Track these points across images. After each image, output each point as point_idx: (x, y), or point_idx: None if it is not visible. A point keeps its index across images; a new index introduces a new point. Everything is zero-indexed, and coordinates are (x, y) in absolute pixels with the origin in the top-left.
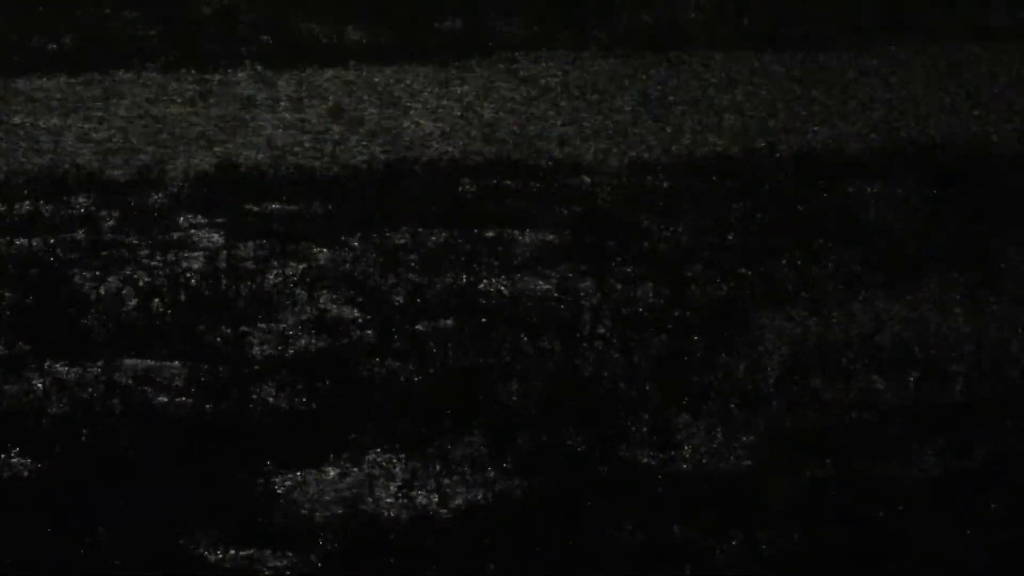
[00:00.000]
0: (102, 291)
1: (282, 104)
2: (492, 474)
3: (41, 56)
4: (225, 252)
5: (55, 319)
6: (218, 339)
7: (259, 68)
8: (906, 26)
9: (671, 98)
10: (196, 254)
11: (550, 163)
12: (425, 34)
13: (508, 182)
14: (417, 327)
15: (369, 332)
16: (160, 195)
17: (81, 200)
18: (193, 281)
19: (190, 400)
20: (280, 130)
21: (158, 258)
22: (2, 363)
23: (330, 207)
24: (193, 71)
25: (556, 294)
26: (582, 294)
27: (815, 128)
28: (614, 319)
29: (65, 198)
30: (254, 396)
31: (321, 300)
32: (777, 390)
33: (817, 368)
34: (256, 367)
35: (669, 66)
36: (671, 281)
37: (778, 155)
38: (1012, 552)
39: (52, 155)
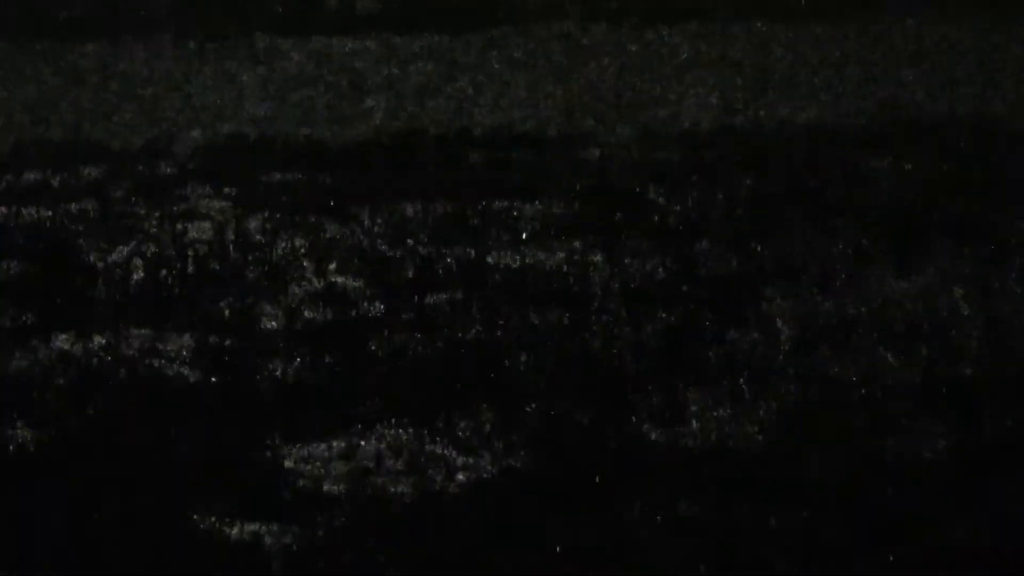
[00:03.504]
0: (109, 261)
1: (291, 74)
2: (500, 448)
3: (48, 22)
4: (233, 223)
5: (62, 289)
6: (226, 311)
7: (268, 36)
8: None
9: (680, 70)
10: (204, 225)
11: (559, 135)
12: (434, 1)
13: (516, 154)
14: (425, 300)
15: (377, 304)
16: (169, 165)
17: (89, 170)
18: (201, 252)
19: (197, 372)
20: (289, 100)
21: (166, 228)
22: (8, 334)
23: (339, 179)
24: (202, 40)
25: (565, 267)
26: (591, 267)
27: (824, 102)
28: (623, 293)
29: (73, 167)
30: (261, 369)
31: (329, 272)
32: (786, 365)
33: (826, 343)
34: (263, 339)
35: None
36: (680, 255)
37: (787, 130)
38: (1022, 529)
39: (60, 124)
